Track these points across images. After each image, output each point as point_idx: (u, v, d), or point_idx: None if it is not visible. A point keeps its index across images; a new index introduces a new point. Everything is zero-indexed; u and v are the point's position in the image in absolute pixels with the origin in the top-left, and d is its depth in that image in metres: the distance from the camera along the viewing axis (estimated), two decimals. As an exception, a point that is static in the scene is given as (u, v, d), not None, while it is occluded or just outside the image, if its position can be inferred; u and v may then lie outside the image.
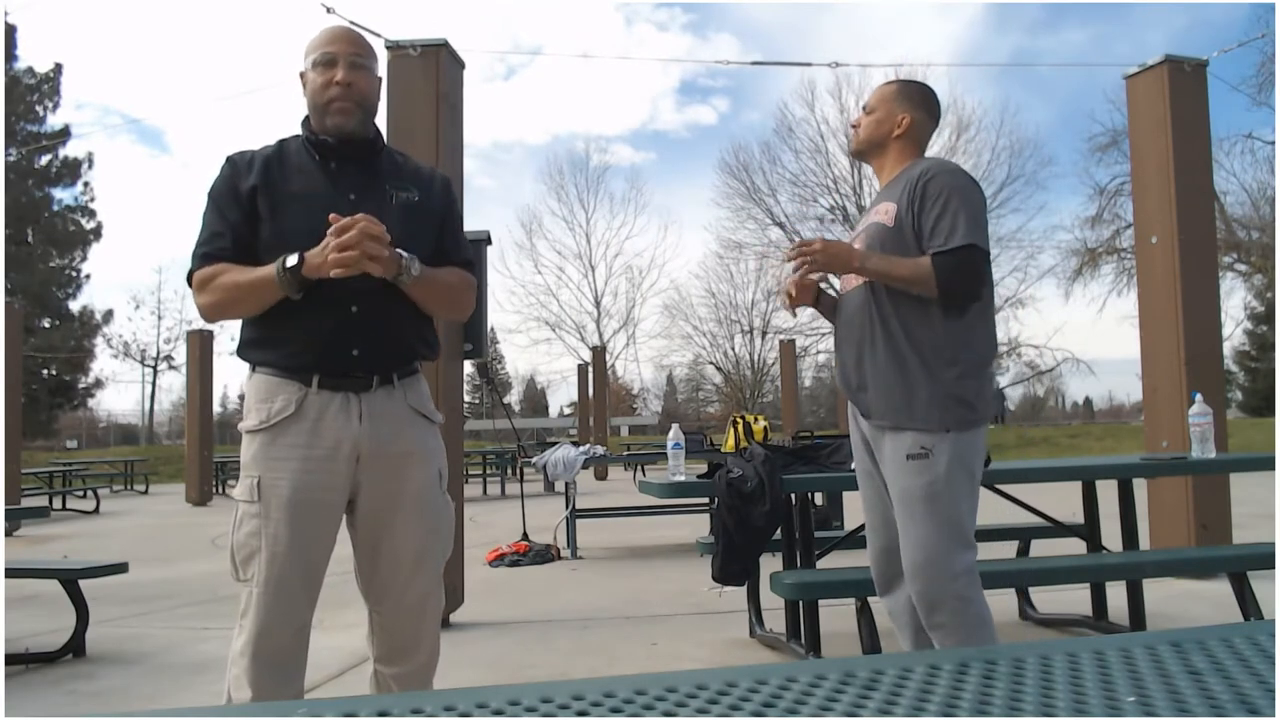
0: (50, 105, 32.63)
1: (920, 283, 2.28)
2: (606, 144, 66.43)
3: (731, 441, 5.44)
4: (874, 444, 2.45)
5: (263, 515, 1.86)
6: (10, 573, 4.03)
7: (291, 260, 1.80)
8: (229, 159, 1.99)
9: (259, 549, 1.87)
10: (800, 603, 3.29)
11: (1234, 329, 31.59)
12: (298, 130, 2.06)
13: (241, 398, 2.27)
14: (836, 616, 3.53)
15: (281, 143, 2.03)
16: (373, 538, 1.97)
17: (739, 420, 5.58)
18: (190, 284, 1.93)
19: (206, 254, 1.91)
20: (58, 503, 11.58)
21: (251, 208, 1.92)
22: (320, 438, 1.88)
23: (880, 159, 2.52)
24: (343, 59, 1.97)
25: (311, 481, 1.87)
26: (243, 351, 1.98)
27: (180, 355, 31.75)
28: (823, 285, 2.57)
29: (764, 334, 33.81)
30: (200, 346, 13.98)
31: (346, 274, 1.78)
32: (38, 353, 29.64)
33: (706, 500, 5.72)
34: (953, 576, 2.27)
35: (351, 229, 1.77)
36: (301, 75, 2.02)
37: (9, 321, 9.23)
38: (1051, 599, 4.13)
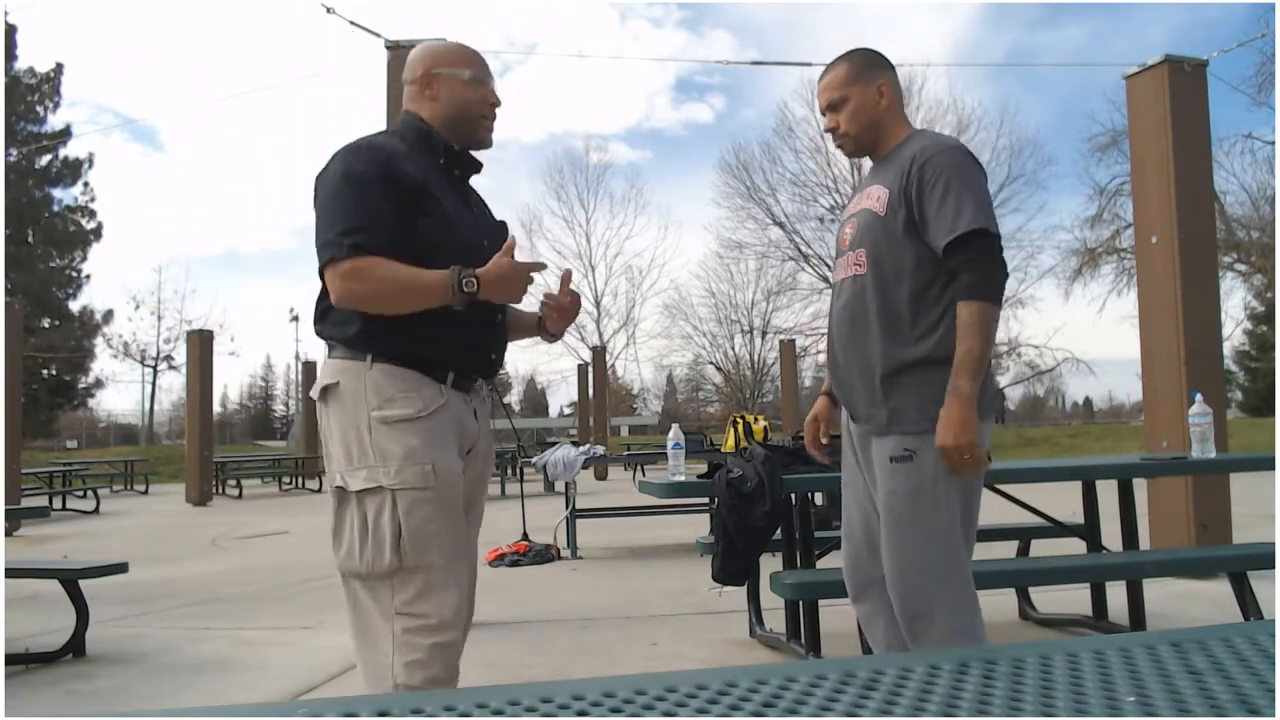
0: (50, 105, 32.66)
1: (985, 327, 2.07)
2: (603, 142, 66.47)
3: (731, 441, 5.45)
4: (860, 448, 2.32)
5: (438, 500, 1.86)
6: (10, 573, 4.03)
7: (471, 285, 1.84)
8: (368, 146, 1.94)
9: (439, 532, 1.86)
10: (800, 603, 3.29)
11: (1234, 329, 31.67)
12: (384, 128, 2.09)
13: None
14: (836, 616, 3.53)
15: (393, 141, 2.00)
16: None
17: (739, 420, 5.59)
18: (329, 267, 1.85)
19: (362, 244, 1.84)
20: (58, 503, 11.56)
21: (410, 203, 1.89)
22: (463, 431, 1.96)
23: (878, 142, 2.32)
24: (491, 83, 2.08)
25: (461, 468, 1.95)
26: (360, 340, 1.89)
27: (180, 355, 31.77)
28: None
29: (764, 334, 33.84)
30: (200, 346, 13.96)
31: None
32: (38, 353, 29.65)
33: (706, 500, 5.72)
34: (938, 584, 2.14)
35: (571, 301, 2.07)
36: (438, 76, 2.02)
37: (9, 321, 9.23)
38: (1051, 599, 4.13)
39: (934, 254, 2.16)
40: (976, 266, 2.09)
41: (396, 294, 1.85)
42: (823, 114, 2.34)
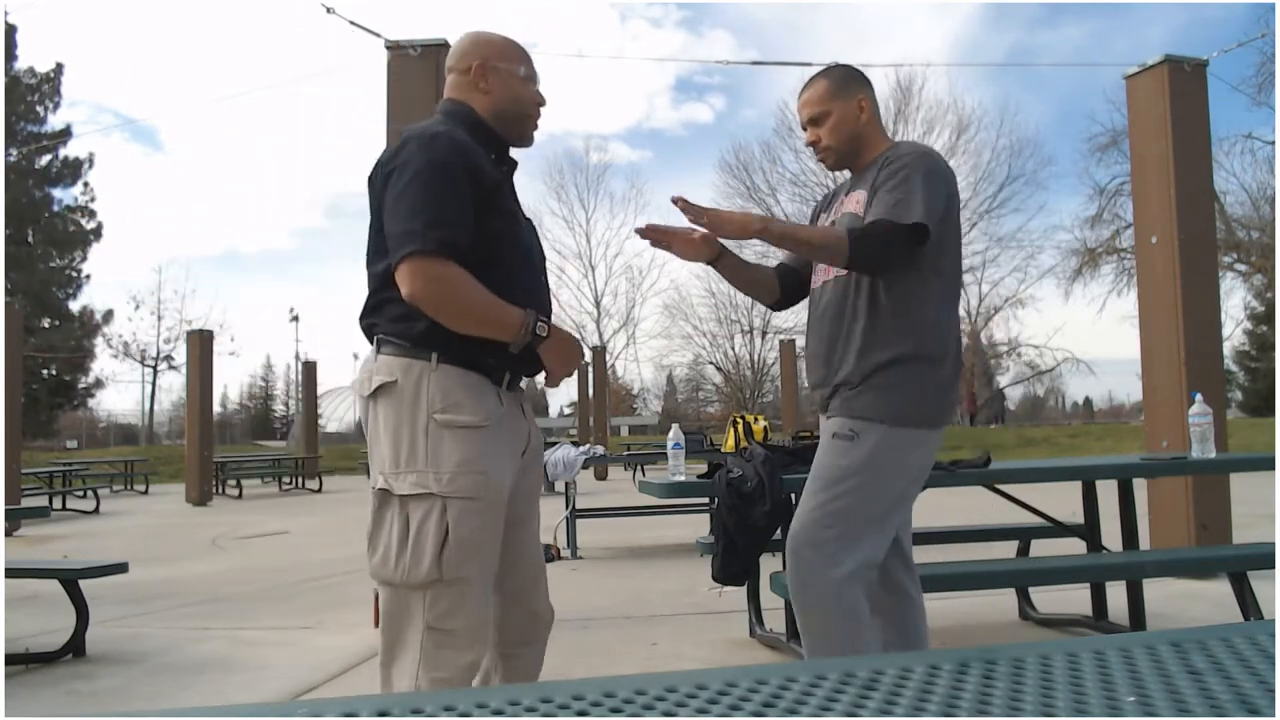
0: (50, 105, 32.68)
1: (828, 248, 2.16)
2: (603, 142, 66.53)
3: (731, 441, 5.44)
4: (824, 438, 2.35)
5: (486, 512, 1.82)
6: (10, 573, 4.03)
7: (543, 329, 1.85)
8: (446, 135, 1.86)
9: (482, 546, 1.82)
10: (800, 603, 3.28)
11: (1234, 329, 31.72)
12: (435, 119, 1.99)
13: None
14: (836, 616, 3.53)
15: (460, 131, 1.92)
16: (511, 531, 1.98)
17: (739, 420, 5.58)
18: (410, 259, 1.76)
19: (447, 240, 1.77)
20: (58, 503, 11.55)
21: (484, 198, 1.86)
22: (518, 435, 1.95)
23: (859, 155, 2.36)
24: (539, 82, 2.08)
25: (511, 478, 1.93)
26: (426, 339, 1.82)
27: (180, 355, 31.79)
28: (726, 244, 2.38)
29: (764, 334, 33.87)
30: (200, 346, 13.96)
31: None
32: (38, 353, 29.66)
33: (706, 500, 5.72)
34: (828, 563, 2.16)
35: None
36: (493, 69, 2.00)
37: (9, 321, 9.23)
38: (1051, 599, 4.13)
39: (912, 264, 2.20)
40: (889, 238, 2.14)
41: (474, 315, 1.80)
42: (804, 128, 2.39)
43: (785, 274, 2.56)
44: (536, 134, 2.09)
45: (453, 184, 1.80)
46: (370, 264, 1.90)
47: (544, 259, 2.12)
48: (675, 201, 2.15)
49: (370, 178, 1.91)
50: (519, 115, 2.03)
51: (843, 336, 2.27)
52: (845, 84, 2.34)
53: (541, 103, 2.07)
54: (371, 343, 1.91)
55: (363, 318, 1.93)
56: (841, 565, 2.17)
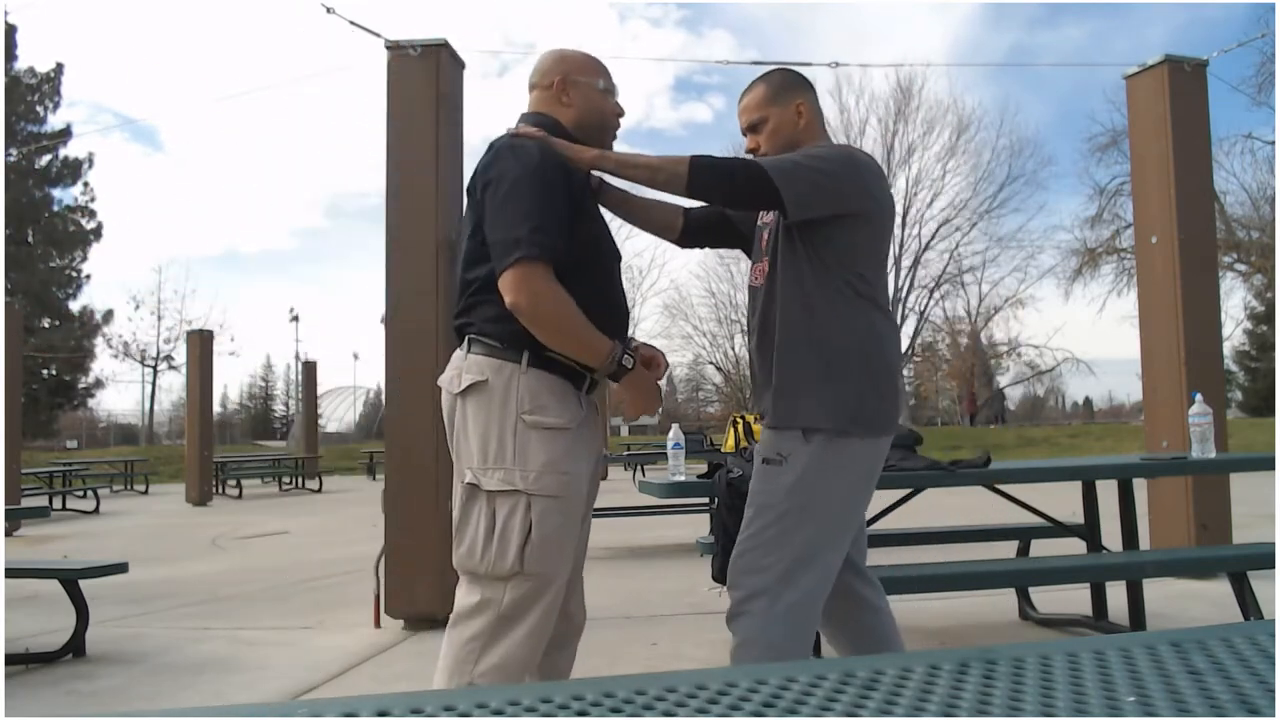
0: (50, 105, 32.67)
1: (666, 170, 2.03)
2: (606, 144, 66.66)
3: (731, 441, 5.43)
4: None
5: (567, 511, 1.89)
6: (10, 573, 4.03)
7: (629, 361, 1.92)
8: (538, 148, 1.94)
9: (562, 543, 1.89)
10: (800, 603, 3.28)
11: (1234, 329, 31.70)
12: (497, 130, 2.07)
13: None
14: (836, 616, 3.53)
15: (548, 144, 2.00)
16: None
17: (739, 420, 5.57)
18: (519, 266, 1.82)
19: (551, 248, 1.85)
20: (58, 503, 11.56)
21: (579, 206, 1.97)
22: (594, 439, 2.03)
23: None
24: (617, 94, 2.18)
25: (592, 478, 2.03)
26: (518, 340, 1.88)
27: (180, 355, 31.77)
28: (607, 179, 2.27)
29: (764, 334, 33.78)
30: (200, 346, 13.96)
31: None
32: (38, 353, 29.66)
33: (706, 500, 5.71)
34: (764, 595, 2.08)
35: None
36: (574, 83, 2.10)
37: (9, 321, 9.23)
38: (1051, 599, 4.13)
39: (832, 266, 2.13)
40: (737, 172, 2.06)
41: (567, 334, 1.87)
42: (744, 135, 2.33)
43: (705, 214, 2.43)
44: None
45: (549, 193, 1.89)
46: (467, 269, 1.97)
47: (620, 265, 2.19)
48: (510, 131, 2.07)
49: (469, 188, 2.02)
50: (600, 126, 2.13)
51: (769, 343, 2.20)
52: (782, 89, 2.27)
53: (620, 113, 2.17)
54: (461, 342, 1.98)
55: (456, 317, 2.01)
56: (778, 598, 2.08)
